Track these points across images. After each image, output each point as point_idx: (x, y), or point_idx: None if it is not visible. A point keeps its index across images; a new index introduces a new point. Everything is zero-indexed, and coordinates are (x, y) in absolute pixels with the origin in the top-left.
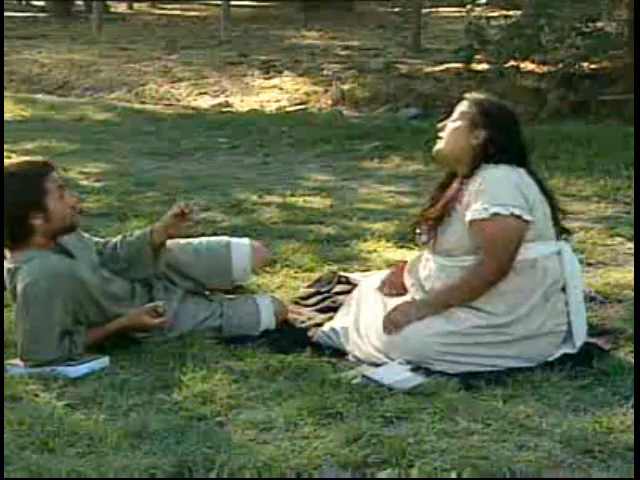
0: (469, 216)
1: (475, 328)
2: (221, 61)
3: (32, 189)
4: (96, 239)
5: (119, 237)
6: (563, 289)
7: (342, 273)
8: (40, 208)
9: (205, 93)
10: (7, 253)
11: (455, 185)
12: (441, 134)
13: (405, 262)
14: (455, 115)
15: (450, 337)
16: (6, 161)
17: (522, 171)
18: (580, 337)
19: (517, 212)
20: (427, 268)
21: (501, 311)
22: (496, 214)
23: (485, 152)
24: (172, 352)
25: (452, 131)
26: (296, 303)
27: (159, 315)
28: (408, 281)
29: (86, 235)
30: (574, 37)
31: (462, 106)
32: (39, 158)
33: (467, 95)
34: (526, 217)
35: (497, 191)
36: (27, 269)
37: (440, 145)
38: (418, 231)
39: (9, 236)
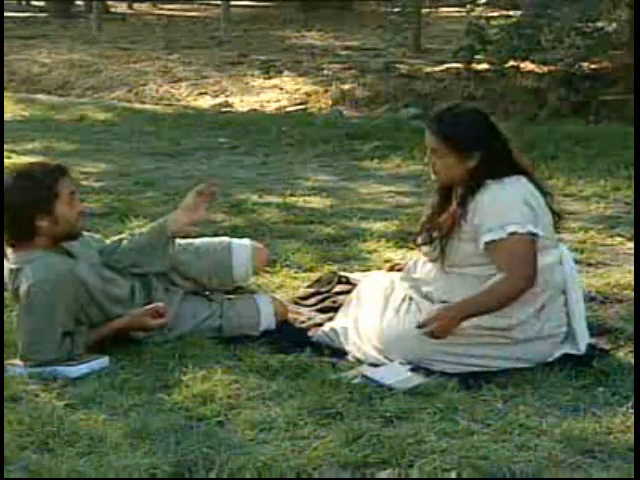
0: (486, 237)
1: (472, 329)
2: (221, 61)
3: (43, 191)
4: (97, 236)
5: (126, 234)
6: (562, 291)
7: (342, 273)
8: (48, 211)
9: (205, 93)
10: (9, 253)
11: (458, 200)
12: (431, 165)
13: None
14: (432, 151)
15: (448, 337)
16: (21, 161)
17: (524, 180)
18: (583, 339)
19: (532, 229)
20: (425, 272)
21: (499, 314)
22: (513, 233)
23: (486, 168)
24: (172, 352)
25: (443, 166)
26: (296, 303)
27: (160, 316)
28: (405, 283)
29: (86, 234)
30: (574, 37)
31: (433, 142)
32: (54, 161)
33: (428, 125)
34: (539, 232)
35: (509, 209)
36: (30, 270)
37: (438, 177)
38: (420, 241)
39: (13, 235)
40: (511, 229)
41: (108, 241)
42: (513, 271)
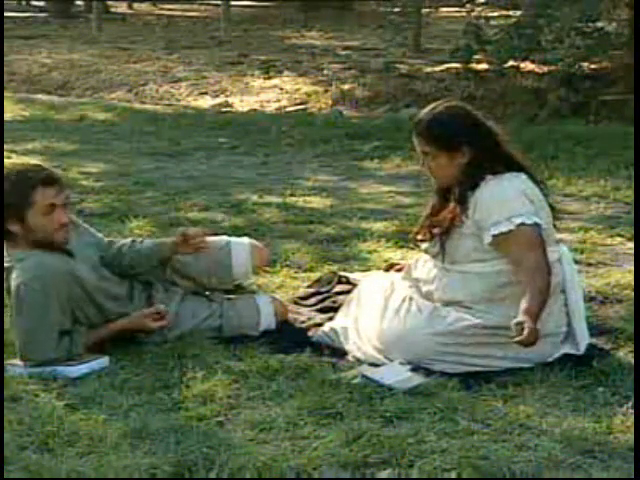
0: (493, 231)
1: (473, 328)
2: (221, 61)
3: (13, 197)
4: (100, 235)
5: (128, 241)
6: (562, 290)
7: (342, 273)
8: (18, 218)
9: (205, 93)
10: (7, 250)
11: (457, 198)
12: (427, 168)
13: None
14: (424, 155)
15: (449, 337)
16: (22, 161)
17: (523, 176)
18: (583, 339)
19: (538, 220)
20: (426, 271)
21: (499, 314)
22: (522, 224)
23: (479, 163)
24: (172, 352)
25: (438, 167)
26: (296, 303)
27: (160, 318)
28: (406, 282)
29: (89, 229)
30: (574, 37)
31: (422, 145)
32: (53, 162)
33: (415, 131)
34: (543, 224)
35: (511, 202)
36: (21, 268)
37: (436, 179)
38: (420, 237)
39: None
40: (519, 220)
41: (106, 239)
42: (530, 260)
